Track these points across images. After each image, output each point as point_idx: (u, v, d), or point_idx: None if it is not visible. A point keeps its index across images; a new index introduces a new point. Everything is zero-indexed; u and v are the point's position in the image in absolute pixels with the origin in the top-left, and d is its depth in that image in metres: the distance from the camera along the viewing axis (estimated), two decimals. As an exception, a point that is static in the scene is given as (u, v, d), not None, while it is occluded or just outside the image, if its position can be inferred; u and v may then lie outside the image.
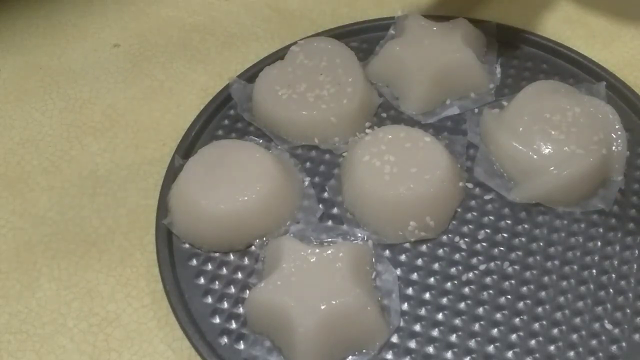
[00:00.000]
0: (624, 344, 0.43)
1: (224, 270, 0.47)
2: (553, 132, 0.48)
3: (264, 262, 0.47)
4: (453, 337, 0.44)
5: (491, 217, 0.48)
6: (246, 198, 0.47)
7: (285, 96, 0.52)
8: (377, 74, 0.56)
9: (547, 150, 0.48)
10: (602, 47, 0.59)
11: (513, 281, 0.46)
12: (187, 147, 0.53)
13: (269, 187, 0.47)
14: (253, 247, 0.48)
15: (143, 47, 0.63)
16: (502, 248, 0.47)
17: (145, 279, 0.48)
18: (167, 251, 0.47)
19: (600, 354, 0.42)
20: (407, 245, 0.47)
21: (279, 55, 0.57)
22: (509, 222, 0.48)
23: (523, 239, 0.47)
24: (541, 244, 0.47)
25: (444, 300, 0.45)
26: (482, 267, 0.46)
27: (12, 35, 0.64)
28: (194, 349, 0.43)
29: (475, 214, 0.49)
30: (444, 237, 0.48)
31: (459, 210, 0.49)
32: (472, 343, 0.43)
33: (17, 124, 0.58)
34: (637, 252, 0.46)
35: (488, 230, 0.48)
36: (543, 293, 0.45)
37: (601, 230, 0.48)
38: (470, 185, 0.50)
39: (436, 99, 0.54)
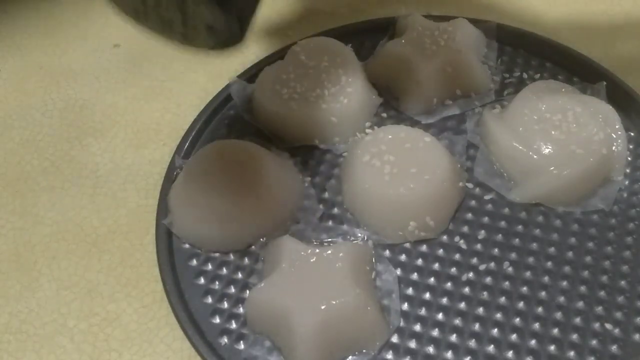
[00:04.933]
0: (623, 344, 0.43)
1: (224, 270, 0.47)
2: (553, 132, 0.48)
3: (264, 262, 0.47)
4: (453, 337, 0.44)
5: (491, 217, 0.48)
6: (246, 198, 0.46)
7: (285, 96, 0.52)
8: (377, 74, 0.56)
9: (547, 150, 0.48)
10: (602, 47, 0.59)
11: (513, 281, 0.46)
12: (187, 147, 0.53)
13: (269, 187, 0.47)
14: (253, 247, 0.48)
15: (143, 47, 0.63)
16: (502, 248, 0.47)
17: (145, 279, 0.48)
18: (167, 251, 0.47)
19: (600, 354, 0.42)
20: (407, 245, 0.47)
21: (279, 55, 0.57)
22: (509, 222, 0.48)
23: (523, 239, 0.47)
24: (541, 243, 0.47)
25: (444, 300, 0.45)
26: (482, 267, 0.46)
27: (12, 35, 0.64)
28: (194, 349, 0.43)
29: (475, 214, 0.49)
30: (444, 237, 0.48)
31: (459, 210, 0.49)
32: (472, 343, 0.43)
33: (17, 124, 0.58)
34: (637, 252, 0.46)
35: (488, 230, 0.48)
36: (543, 293, 0.45)
37: (601, 230, 0.48)
38: (470, 185, 0.50)
39: (436, 99, 0.54)
